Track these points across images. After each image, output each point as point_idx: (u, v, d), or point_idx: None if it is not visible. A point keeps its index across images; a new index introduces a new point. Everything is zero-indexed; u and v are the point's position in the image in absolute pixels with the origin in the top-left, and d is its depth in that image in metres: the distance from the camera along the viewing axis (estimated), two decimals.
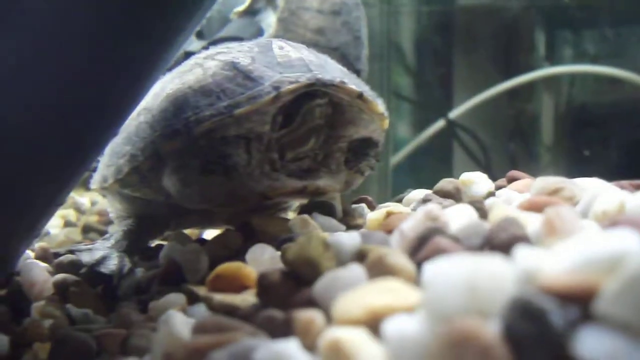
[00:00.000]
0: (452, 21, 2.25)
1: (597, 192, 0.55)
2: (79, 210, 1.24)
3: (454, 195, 0.68)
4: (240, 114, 0.65)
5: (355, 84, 0.69)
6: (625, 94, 2.03)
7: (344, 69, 0.74)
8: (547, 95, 2.28)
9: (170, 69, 0.78)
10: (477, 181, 0.71)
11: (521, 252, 0.37)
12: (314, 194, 0.71)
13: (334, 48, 1.14)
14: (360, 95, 0.69)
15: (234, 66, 0.68)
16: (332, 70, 0.70)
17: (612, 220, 0.42)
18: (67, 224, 1.15)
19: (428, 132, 2.04)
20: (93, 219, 1.19)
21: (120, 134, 0.72)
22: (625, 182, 0.64)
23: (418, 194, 0.75)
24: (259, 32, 1.18)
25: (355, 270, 0.44)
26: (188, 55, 1.14)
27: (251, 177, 0.68)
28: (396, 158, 2.01)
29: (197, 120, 0.66)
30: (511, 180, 0.74)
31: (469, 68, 2.25)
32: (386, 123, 0.74)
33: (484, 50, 2.27)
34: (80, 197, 1.29)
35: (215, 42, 1.15)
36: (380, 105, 0.71)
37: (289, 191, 0.69)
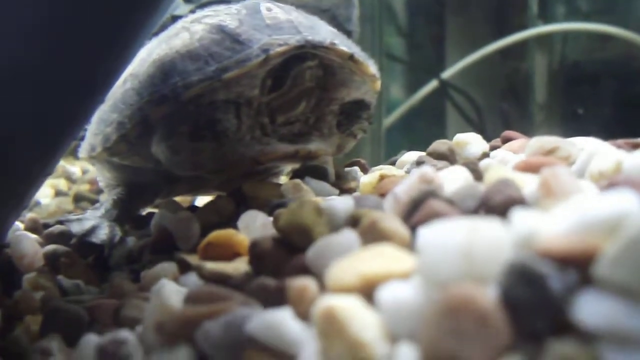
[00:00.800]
0: None
1: (594, 151, 0.54)
2: (69, 179, 1.23)
3: (448, 157, 0.67)
4: (229, 78, 0.64)
5: (346, 45, 0.68)
6: (618, 50, 2.02)
7: (335, 30, 0.72)
8: (539, 53, 2.26)
9: (156, 34, 0.77)
10: (471, 142, 0.70)
11: (518, 215, 0.36)
12: (306, 158, 0.70)
13: (324, 9, 1.12)
14: (351, 57, 0.67)
15: (221, 29, 0.67)
16: (322, 32, 0.68)
17: (610, 181, 0.41)
18: (58, 193, 1.14)
19: (421, 93, 2.02)
20: (84, 188, 1.18)
21: (107, 101, 0.71)
22: (621, 141, 0.63)
23: (412, 155, 0.74)
24: None
25: (348, 236, 0.43)
26: (175, 19, 1.12)
27: (242, 142, 0.67)
28: (389, 120, 1.99)
29: (185, 85, 0.65)
30: (506, 140, 0.73)
31: (461, 28, 2.23)
32: (378, 84, 0.72)
33: (476, 10, 2.25)
34: (71, 166, 1.28)
35: (202, 5, 1.12)
36: (371, 67, 0.70)
37: (281, 156, 0.68)
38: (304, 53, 0.66)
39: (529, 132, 2.46)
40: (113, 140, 0.70)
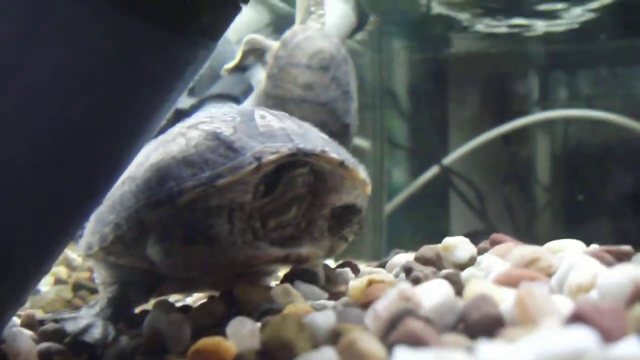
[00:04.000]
0: (445, 68, 2.28)
1: (572, 263, 0.56)
2: (70, 266, 1.24)
3: (435, 263, 0.69)
4: (222, 185, 0.66)
5: (336, 152, 0.70)
6: (620, 133, 2.05)
7: (326, 137, 0.75)
8: (541, 136, 2.30)
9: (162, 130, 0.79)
10: (459, 246, 0.71)
11: (482, 348, 0.37)
12: (296, 262, 0.72)
13: (323, 103, 1.15)
14: (341, 164, 0.70)
15: (216, 136, 0.69)
16: (313, 139, 0.71)
17: (577, 309, 0.42)
18: (58, 281, 1.15)
19: (422, 179, 2.05)
20: (84, 276, 1.19)
21: (105, 202, 0.73)
22: (605, 249, 0.64)
23: (402, 258, 0.75)
24: (249, 89, 1.20)
25: (328, 354, 0.44)
26: (178, 113, 1.15)
27: (233, 246, 0.68)
28: (390, 206, 2.01)
29: (180, 190, 0.67)
30: (494, 243, 0.74)
31: (463, 114, 2.26)
32: (368, 189, 0.74)
33: (478, 96, 2.29)
34: (71, 253, 1.29)
35: (205, 100, 1.16)
36: (361, 173, 0.72)
37: (272, 260, 0.70)
38: (296, 160, 0.68)
39: (531, 216, 2.44)
40: (109, 241, 0.72)
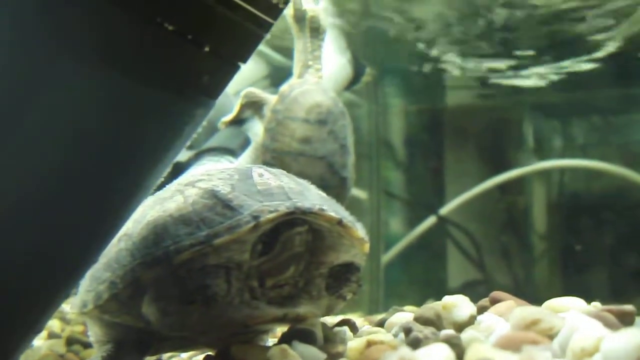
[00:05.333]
0: (441, 119, 2.29)
1: (575, 325, 0.55)
2: (63, 320, 1.23)
3: (435, 323, 0.68)
4: (219, 244, 0.66)
5: (334, 210, 0.70)
6: (616, 181, 2.05)
7: (324, 195, 0.74)
8: (537, 185, 2.30)
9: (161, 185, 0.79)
10: (459, 305, 0.71)
11: None
12: (295, 321, 0.71)
13: (320, 157, 1.16)
14: (339, 222, 0.69)
15: (214, 194, 0.69)
16: (311, 197, 0.70)
17: None
18: (51, 335, 1.13)
19: (419, 229, 2.04)
20: (78, 330, 1.18)
21: (101, 259, 0.72)
22: (608, 309, 0.64)
23: (401, 316, 0.74)
24: (246, 142, 1.20)
25: None
26: (175, 165, 1.15)
27: (231, 305, 0.68)
28: (388, 256, 2.00)
29: (177, 249, 0.66)
30: (494, 301, 0.74)
31: (460, 164, 2.27)
32: (367, 247, 0.74)
33: (474, 147, 2.30)
34: (65, 305, 1.28)
35: (202, 153, 1.16)
36: (360, 230, 0.72)
37: (269, 319, 0.69)
38: (294, 219, 0.68)
39: (529, 265, 2.43)
40: (104, 299, 0.71)
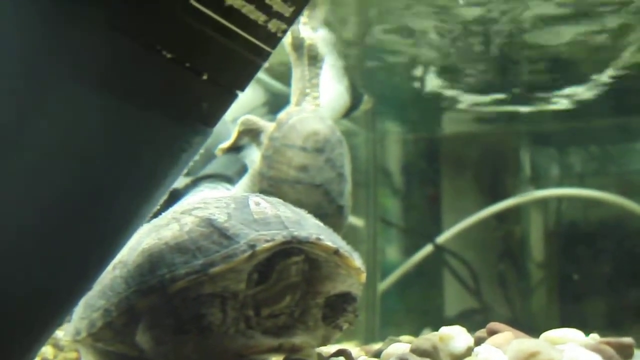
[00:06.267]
0: (438, 147, 2.30)
1: (574, 358, 0.55)
2: (56, 346, 1.22)
3: (432, 354, 0.67)
4: (215, 273, 0.65)
5: (331, 240, 0.70)
6: (614, 209, 2.06)
7: (321, 224, 0.74)
8: (535, 213, 2.30)
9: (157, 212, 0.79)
10: (455, 336, 0.70)
11: None
12: (290, 352, 0.70)
13: (317, 185, 1.15)
14: (336, 252, 0.69)
15: (210, 223, 0.68)
16: (308, 227, 0.70)
17: None
18: None
19: (416, 257, 2.04)
20: (71, 356, 1.17)
21: (95, 287, 0.72)
22: (607, 342, 0.63)
23: (397, 348, 0.74)
24: (243, 169, 1.20)
25: None
26: (172, 192, 1.15)
27: (226, 335, 0.67)
28: (384, 284, 2.00)
29: (172, 278, 0.66)
30: (491, 333, 0.73)
31: (457, 192, 2.27)
32: (363, 277, 0.74)
33: (471, 175, 2.30)
34: (59, 331, 1.27)
35: (199, 180, 1.16)
36: (356, 260, 0.72)
37: (265, 349, 0.68)
38: (290, 248, 0.67)
39: (526, 293, 2.43)
40: (98, 327, 0.70)
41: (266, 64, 0.68)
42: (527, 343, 0.59)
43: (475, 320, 2.12)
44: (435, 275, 2.23)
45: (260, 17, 0.64)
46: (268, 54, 0.66)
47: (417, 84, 1.88)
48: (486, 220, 2.11)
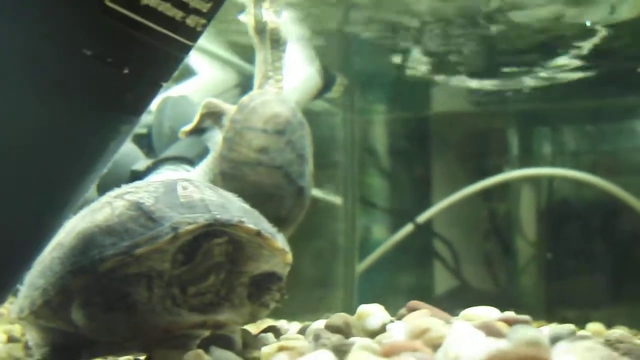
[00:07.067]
0: (426, 127, 2.31)
1: (458, 334, 0.58)
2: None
3: (343, 331, 0.71)
4: (140, 254, 0.69)
5: (254, 222, 0.73)
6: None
7: (246, 207, 0.77)
8: (525, 191, 2.32)
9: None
10: (373, 314, 0.74)
11: None
12: (214, 328, 0.74)
13: (278, 166, 1.19)
14: (258, 233, 0.73)
15: (138, 207, 0.72)
16: (232, 210, 0.74)
17: None
18: (11, 339, 1.17)
19: (397, 236, 2.06)
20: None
21: (36, 266, 0.76)
22: (505, 319, 0.67)
23: (319, 324, 0.77)
24: (205, 151, 1.23)
25: None
26: (134, 173, 1.19)
27: (153, 312, 0.71)
28: (365, 263, 2.02)
29: (101, 258, 0.70)
30: (411, 310, 0.77)
31: (444, 172, 2.29)
32: (288, 257, 0.77)
33: (459, 154, 2.32)
34: (3, 309, 1.31)
35: (160, 162, 1.20)
36: (279, 242, 0.75)
37: (190, 326, 0.72)
38: (213, 230, 0.71)
39: (512, 273, 2.44)
40: (38, 305, 0.75)
41: (189, 57, 0.71)
42: (422, 320, 0.62)
43: (464, 298, 2.16)
44: (423, 253, 2.26)
45: (177, 14, 0.67)
46: (190, 47, 0.69)
47: (398, 68, 1.90)
48: (472, 198, 2.13)
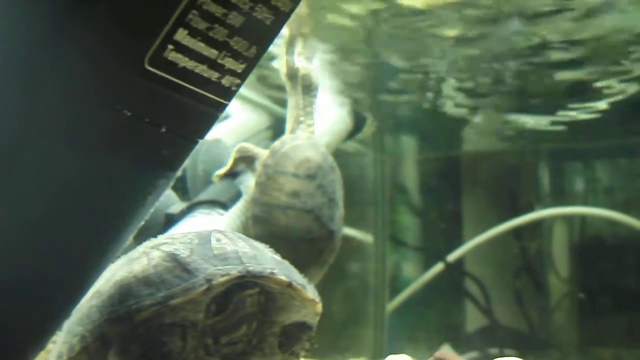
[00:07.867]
0: (457, 166, 2.32)
1: None
2: None
3: None
4: (175, 305, 0.71)
5: (285, 273, 0.75)
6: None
7: (277, 258, 0.79)
8: (557, 227, 2.31)
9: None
10: None
11: None
12: None
13: (309, 210, 1.21)
14: (289, 285, 0.75)
15: (174, 258, 0.75)
16: (264, 261, 0.75)
17: None
18: None
19: (427, 275, 2.07)
20: None
21: (75, 314, 0.79)
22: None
23: None
24: (238, 195, 1.26)
25: None
26: (169, 216, 1.22)
27: None
28: (395, 302, 2.03)
29: (138, 308, 0.72)
30: None
31: (476, 210, 2.29)
32: (319, 307, 0.79)
33: (490, 193, 2.32)
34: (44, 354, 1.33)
35: (194, 205, 1.23)
36: (310, 292, 0.77)
37: None
38: (246, 281, 0.73)
39: (544, 312, 2.42)
40: (76, 351, 0.77)
41: (224, 114, 0.74)
42: None
43: (495, 337, 2.15)
44: (453, 292, 2.25)
45: (213, 75, 0.70)
46: (225, 105, 0.72)
47: (429, 105, 1.92)
48: (503, 236, 2.13)
